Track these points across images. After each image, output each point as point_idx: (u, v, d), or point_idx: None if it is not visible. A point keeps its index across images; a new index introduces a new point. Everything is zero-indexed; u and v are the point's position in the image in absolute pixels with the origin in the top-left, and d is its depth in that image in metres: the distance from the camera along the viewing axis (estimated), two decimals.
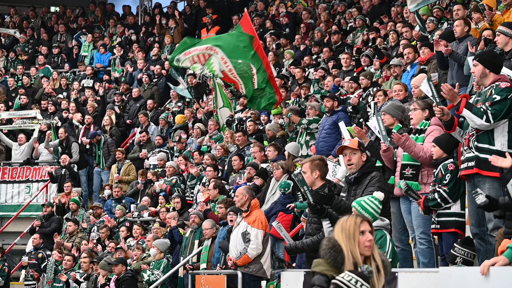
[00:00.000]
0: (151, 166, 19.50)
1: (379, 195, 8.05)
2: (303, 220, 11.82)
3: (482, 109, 8.42)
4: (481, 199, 7.78)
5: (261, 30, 22.95)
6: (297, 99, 17.54)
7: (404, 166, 9.69)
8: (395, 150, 9.90)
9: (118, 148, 20.72)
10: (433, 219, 9.20)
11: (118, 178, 19.90)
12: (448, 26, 15.13)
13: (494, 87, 8.48)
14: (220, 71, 17.00)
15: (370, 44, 18.26)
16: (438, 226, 9.12)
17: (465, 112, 8.49)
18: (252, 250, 11.62)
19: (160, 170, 18.88)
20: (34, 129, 22.53)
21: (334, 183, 10.24)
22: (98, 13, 30.08)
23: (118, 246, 15.84)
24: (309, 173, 9.25)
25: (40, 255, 17.96)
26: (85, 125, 22.02)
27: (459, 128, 9.20)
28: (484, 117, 8.37)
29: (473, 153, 8.57)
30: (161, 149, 19.79)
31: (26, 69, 26.20)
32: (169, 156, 19.42)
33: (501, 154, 8.14)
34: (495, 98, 8.39)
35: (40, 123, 22.47)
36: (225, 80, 17.67)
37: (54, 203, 19.65)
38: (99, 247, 16.86)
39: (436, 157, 9.20)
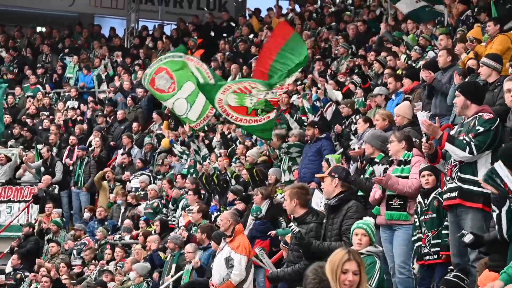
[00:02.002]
0: (133, 189, 19.41)
1: (370, 220, 8.09)
2: (282, 247, 11.77)
3: (464, 141, 8.42)
4: (468, 238, 7.77)
5: (247, 55, 23.01)
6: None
7: (391, 197, 9.68)
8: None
9: (106, 169, 20.66)
10: (427, 251, 9.13)
11: (114, 198, 19.71)
12: (434, 56, 15.19)
13: (477, 118, 8.49)
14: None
15: (356, 71, 18.31)
16: (436, 257, 9.07)
17: (448, 146, 8.51)
18: (235, 276, 11.50)
19: (142, 193, 18.80)
20: (13, 154, 22.38)
21: (316, 211, 10.22)
22: (84, 35, 30.04)
23: (105, 268, 15.75)
24: (289, 201, 9.24)
25: (18, 275, 17.85)
26: (69, 146, 21.95)
27: (442, 159, 9.20)
28: (467, 149, 8.38)
29: (456, 183, 8.56)
30: (143, 172, 19.71)
31: (11, 88, 26.12)
32: (151, 179, 19.35)
33: None
34: (479, 129, 8.41)
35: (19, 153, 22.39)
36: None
37: (35, 223, 19.55)
38: (86, 269, 16.73)
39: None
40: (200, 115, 15.97)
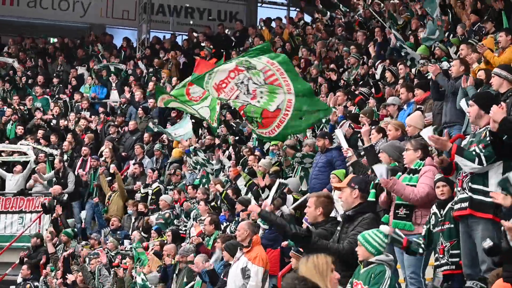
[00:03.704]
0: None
1: (385, 229, 8.06)
2: (293, 255, 11.72)
3: (474, 152, 8.39)
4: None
5: None
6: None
7: (398, 206, 9.68)
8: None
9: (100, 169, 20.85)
10: (446, 260, 9.05)
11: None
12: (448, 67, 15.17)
13: (489, 128, 8.49)
14: (276, 106, 13.72)
15: (366, 79, 18.33)
16: (454, 267, 8.98)
17: (457, 158, 8.49)
18: (251, 287, 11.45)
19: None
20: (29, 160, 22.47)
21: (336, 220, 10.14)
22: (96, 45, 30.17)
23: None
24: (313, 209, 9.12)
25: (27, 286, 17.87)
26: (82, 157, 22.03)
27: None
28: (477, 160, 8.34)
29: (467, 194, 8.52)
30: (157, 182, 19.78)
31: (22, 99, 26.26)
32: (164, 189, 19.40)
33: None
34: (489, 140, 8.41)
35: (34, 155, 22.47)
36: (264, 116, 14.03)
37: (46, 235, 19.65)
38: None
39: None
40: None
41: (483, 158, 8.33)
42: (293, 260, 11.59)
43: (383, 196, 9.92)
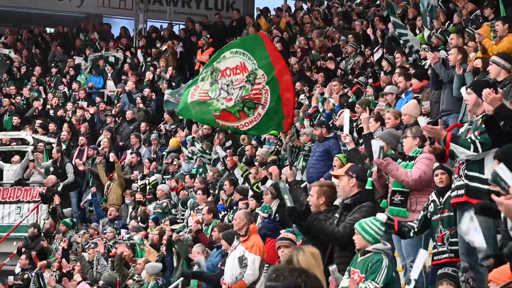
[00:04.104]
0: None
1: (382, 217, 8.05)
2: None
3: (469, 139, 8.44)
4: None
5: None
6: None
7: (394, 193, 9.75)
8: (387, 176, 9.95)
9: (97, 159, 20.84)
10: (446, 248, 9.07)
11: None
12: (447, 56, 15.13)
13: (484, 116, 8.49)
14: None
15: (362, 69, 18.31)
16: (453, 255, 9.00)
17: (452, 146, 8.54)
18: (248, 276, 11.40)
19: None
20: (27, 151, 22.46)
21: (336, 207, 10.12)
22: (92, 34, 30.09)
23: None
24: (315, 198, 9.10)
25: (25, 276, 17.87)
26: (79, 147, 22.02)
27: (450, 159, 9.20)
28: (472, 147, 8.38)
29: (463, 181, 8.58)
30: (154, 173, 19.77)
31: (20, 89, 26.22)
32: (161, 179, 19.40)
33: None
34: (485, 126, 8.41)
35: (34, 144, 22.46)
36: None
37: (44, 224, 19.64)
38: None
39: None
40: None
41: (478, 145, 8.36)
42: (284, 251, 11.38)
43: (374, 174, 9.99)
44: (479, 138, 8.39)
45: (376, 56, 18.08)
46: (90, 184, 20.94)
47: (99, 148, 21.74)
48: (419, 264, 8.05)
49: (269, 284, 4.11)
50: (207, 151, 18.46)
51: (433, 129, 8.73)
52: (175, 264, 14.57)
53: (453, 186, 8.82)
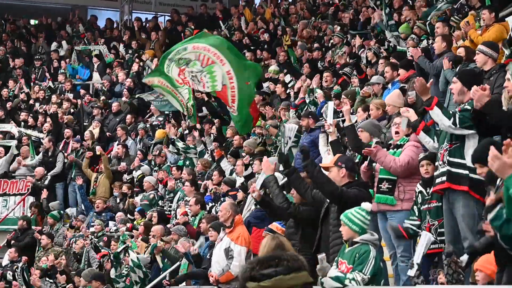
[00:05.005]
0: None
1: (367, 205, 8.06)
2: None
3: (451, 111, 8.61)
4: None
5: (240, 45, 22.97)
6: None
7: (381, 180, 9.80)
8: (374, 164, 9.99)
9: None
10: (434, 239, 9.05)
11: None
12: (430, 45, 15.14)
13: (472, 110, 8.52)
14: (221, 84, 13.96)
15: (348, 60, 18.31)
16: (442, 245, 8.99)
17: (436, 110, 8.64)
18: (235, 267, 11.33)
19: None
20: (11, 145, 22.35)
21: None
22: (77, 26, 29.94)
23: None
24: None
25: (15, 267, 17.82)
26: (64, 139, 21.94)
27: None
28: (452, 119, 8.46)
29: (446, 167, 8.62)
30: (142, 163, 19.72)
31: (5, 81, 26.08)
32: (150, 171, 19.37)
33: (472, 168, 8.17)
34: (466, 106, 8.53)
35: (17, 138, 22.36)
36: (220, 96, 14.71)
37: (31, 217, 19.59)
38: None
39: None
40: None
41: (457, 119, 8.48)
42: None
43: (363, 166, 10.06)
44: (459, 113, 8.50)
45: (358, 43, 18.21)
46: (72, 176, 20.86)
47: (85, 142, 21.61)
48: (422, 247, 8.12)
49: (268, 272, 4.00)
50: (191, 146, 18.39)
51: (424, 85, 8.89)
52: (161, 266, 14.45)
53: (437, 173, 8.86)
